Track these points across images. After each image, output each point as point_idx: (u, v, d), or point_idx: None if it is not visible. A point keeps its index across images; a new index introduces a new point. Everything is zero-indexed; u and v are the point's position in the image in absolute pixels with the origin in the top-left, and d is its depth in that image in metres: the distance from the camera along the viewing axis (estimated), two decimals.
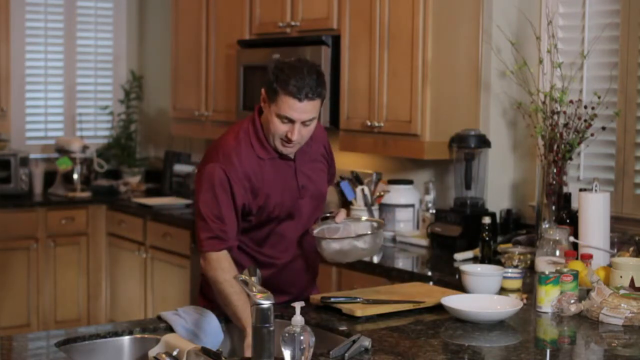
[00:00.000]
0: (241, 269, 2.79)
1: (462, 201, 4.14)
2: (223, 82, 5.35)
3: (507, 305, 2.79)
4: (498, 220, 4.14)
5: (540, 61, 3.97)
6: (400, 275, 3.71)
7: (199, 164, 2.88)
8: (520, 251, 3.68)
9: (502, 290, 3.08)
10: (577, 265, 3.14)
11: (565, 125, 3.77)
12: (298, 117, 2.72)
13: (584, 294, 2.93)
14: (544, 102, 3.86)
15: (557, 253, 3.46)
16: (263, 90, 2.78)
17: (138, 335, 2.64)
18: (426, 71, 4.07)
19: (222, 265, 2.73)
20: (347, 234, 2.87)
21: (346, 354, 2.36)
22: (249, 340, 2.54)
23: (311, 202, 2.94)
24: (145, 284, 5.64)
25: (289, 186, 2.87)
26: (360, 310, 2.77)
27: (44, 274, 5.83)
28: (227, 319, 2.74)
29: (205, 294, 2.96)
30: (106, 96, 6.72)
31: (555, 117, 3.80)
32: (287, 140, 2.76)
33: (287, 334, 2.15)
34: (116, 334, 2.63)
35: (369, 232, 2.86)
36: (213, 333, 2.62)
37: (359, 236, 2.83)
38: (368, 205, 4.37)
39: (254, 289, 2.18)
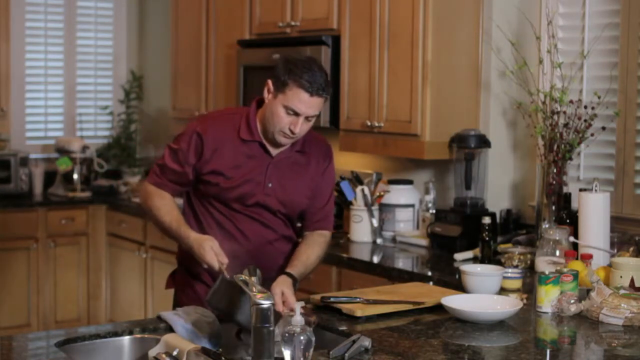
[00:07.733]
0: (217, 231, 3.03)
1: (462, 201, 4.14)
2: (223, 82, 5.35)
3: (507, 305, 2.79)
4: (498, 220, 4.13)
5: (540, 61, 3.97)
6: (400, 275, 3.71)
7: None
8: (520, 251, 3.68)
9: (502, 290, 3.08)
10: (577, 265, 3.14)
11: (565, 125, 3.77)
12: (305, 110, 2.80)
13: (584, 294, 2.92)
14: (544, 102, 3.86)
15: (557, 253, 3.46)
16: (270, 81, 2.84)
17: (138, 335, 2.64)
18: (426, 71, 4.07)
19: (154, 194, 3.19)
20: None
21: (346, 354, 2.36)
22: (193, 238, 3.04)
23: (280, 205, 2.98)
24: (145, 284, 5.63)
25: (255, 175, 2.94)
26: (360, 310, 2.77)
27: (44, 274, 5.83)
28: (226, 319, 2.74)
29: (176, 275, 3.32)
30: (106, 96, 6.72)
31: (555, 117, 3.80)
32: (290, 133, 2.83)
33: (287, 334, 2.15)
34: (116, 334, 2.63)
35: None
36: (213, 333, 2.61)
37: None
38: (368, 206, 4.37)
39: (254, 289, 2.18)
